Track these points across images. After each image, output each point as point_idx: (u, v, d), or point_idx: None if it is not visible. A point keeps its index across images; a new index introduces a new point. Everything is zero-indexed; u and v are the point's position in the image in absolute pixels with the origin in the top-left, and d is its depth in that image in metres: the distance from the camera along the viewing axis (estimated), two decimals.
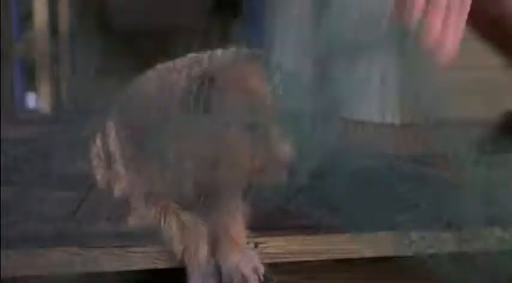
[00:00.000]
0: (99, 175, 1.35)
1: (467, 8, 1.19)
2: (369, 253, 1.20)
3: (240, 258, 1.11)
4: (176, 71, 1.14)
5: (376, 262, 1.23)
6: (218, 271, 1.10)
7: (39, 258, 1.13)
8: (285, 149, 1.10)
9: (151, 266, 1.15)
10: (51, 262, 1.13)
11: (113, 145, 1.24)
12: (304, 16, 1.88)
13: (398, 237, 1.21)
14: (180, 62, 1.17)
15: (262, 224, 1.15)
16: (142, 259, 1.14)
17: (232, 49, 1.18)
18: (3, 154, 1.83)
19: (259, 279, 1.11)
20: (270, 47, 1.17)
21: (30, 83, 6.02)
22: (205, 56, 1.16)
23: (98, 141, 1.36)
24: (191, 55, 1.20)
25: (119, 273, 1.14)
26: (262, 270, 1.12)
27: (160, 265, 1.15)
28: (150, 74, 1.22)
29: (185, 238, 1.11)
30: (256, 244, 1.17)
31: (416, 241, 1.21)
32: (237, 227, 1.14)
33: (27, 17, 6.23)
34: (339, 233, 1.19)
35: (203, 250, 1.10)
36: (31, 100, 6.43)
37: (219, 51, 1.17)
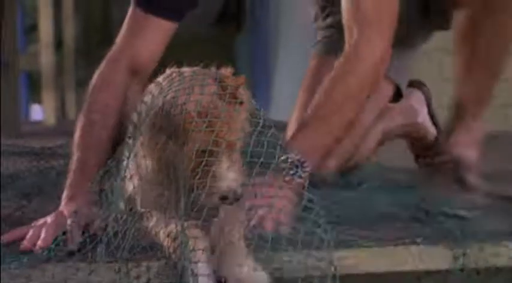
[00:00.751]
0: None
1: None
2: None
3: (245, 270, 1.11)
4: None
5: None
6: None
7: (42, 272, 1.13)
8: (227, 182, 1.12)
9: (155, 281, 1.14)
10: (54, 275, 1.13)
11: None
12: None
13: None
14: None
15: None
16: (146, 273, 1.14)
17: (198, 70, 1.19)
18: (9, 165, 1.83)
19: None
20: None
21: (35, 96, 6.04)
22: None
23: None
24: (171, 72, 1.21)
25: None
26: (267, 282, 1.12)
27: (163, 279, 1.15)
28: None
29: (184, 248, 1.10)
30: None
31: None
32: (239, 238, 1.14)
33: (32, 30, 6.26)
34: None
35: (203, 260, 1.10)
36: (36, 112, 6.44)
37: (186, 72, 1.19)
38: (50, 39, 4.63)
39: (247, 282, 1.11)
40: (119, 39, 1.48)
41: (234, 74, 1.19)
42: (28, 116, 6.61)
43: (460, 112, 1.66)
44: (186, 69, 1.22)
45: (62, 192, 1.31)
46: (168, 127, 1.13)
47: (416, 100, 1.85)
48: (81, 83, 5.02)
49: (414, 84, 1.88)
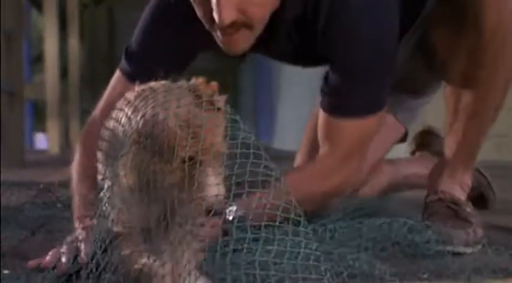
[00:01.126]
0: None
1: None
2: None
3: None
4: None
5: None
6: None
7: None
8: (214, 194, 1.12)
9: None
10: None
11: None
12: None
13: None
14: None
15: None
16: None
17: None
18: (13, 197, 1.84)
19: None
20: None
21: (40, 124, 6.07)
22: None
23: None
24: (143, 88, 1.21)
25: None
26: None
27: None
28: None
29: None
30: None
31: None
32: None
33: (37, 60, 6.31)
34: None
35: None
36: (40, 141, 6.47)
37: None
38: (55, 69, 4.67)
39: None
40: (101, 103, 1.49)
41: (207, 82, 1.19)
42: (32, 144, 6.64)
43: (445, 160, 1.63)
44: (156, 84, 1.22)
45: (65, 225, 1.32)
46: (152, 146, 1.13)
47: (421, 165, 1.86)
48: (86, 112, 5.05)
49: (421, 145, 1.91)
